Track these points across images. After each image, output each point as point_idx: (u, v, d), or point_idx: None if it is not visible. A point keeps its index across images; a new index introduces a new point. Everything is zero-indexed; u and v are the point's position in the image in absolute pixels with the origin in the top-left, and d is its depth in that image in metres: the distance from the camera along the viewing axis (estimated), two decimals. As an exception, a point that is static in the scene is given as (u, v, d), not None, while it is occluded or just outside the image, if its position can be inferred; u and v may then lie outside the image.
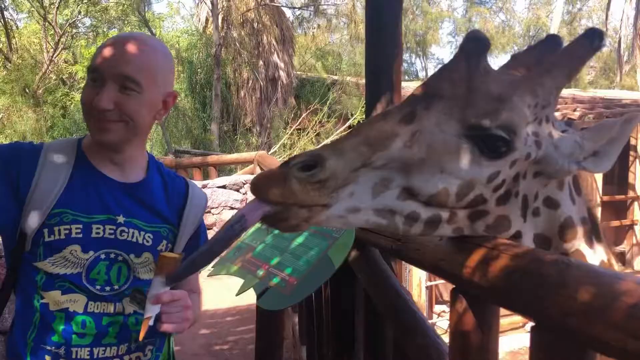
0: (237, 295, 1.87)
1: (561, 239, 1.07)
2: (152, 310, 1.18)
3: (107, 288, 1.26)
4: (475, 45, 1.01)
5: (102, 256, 1.25)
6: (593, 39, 1.03)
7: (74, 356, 1.24)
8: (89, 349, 1.25)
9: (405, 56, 28.59)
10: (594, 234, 1.12)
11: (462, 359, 1.14)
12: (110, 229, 1.26)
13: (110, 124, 1.22)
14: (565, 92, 15.52)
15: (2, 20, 16.38)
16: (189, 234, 1.40)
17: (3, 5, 15.38)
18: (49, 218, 1.21)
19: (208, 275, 2.39)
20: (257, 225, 2.45)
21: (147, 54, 1.25)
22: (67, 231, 1.22)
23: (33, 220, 1.20)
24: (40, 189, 1.20)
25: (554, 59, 1.04)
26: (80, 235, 1.23)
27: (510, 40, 29.89)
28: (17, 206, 1.21)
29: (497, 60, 26.94)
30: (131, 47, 1.24)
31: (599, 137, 1.01)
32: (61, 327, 1.23)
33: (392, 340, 1.79)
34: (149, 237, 1.31)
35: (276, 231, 2.13)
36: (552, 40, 1.11)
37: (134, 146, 1.31)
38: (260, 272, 1.91)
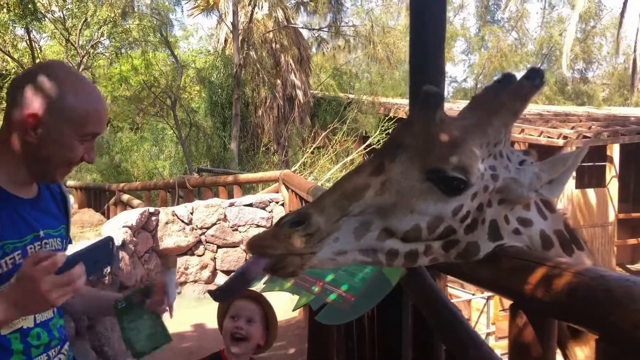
0: (293, 310, 1.98)
1: (543, 249, 1.26)
2: (174, 297, 1.47)
3: None
4: (430, 99, 1.19)
5: None
6: (534, 78, 1.20)
7: None
8: (45, 354, 1.37)
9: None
10: (573, 243, 1.29)
11: (522, 371, 1.23)
12: (37, 245, 1.35)
13: None
14: (580, 110, 15.56)
15: (28, 41, 16.78)
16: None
17: (30, 28, 15.76)
18: None
19: (261, 292, 2.51)
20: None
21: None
22: (12, 260, 1.28)
23: None
24: None
25: (502, 99, 1.20)
26: (21, 260, 1.29)
27: (523, 59, 29.98)
28: None
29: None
30: (104, 105, 1.41)
31: (554, 168, 1.19)
32: (19, 346, 1.31)
33: (445, 355, 1.88)
34: (59, 241, 1.44)
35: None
36: (507, 79, 1.25)
37: None
38: (316, 289, 2.02)
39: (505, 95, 1.20)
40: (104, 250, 1.25)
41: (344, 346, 2.84)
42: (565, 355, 1.38)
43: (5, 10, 13.18)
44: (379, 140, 11.34)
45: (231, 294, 1.17)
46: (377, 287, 1.83)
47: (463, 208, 1.14)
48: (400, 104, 15.02)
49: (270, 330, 2.14)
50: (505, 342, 5.84)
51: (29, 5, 12.31)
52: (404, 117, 13.89)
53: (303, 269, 1.12)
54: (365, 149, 11.40)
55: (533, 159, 1.23)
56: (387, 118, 12.17)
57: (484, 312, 7.69)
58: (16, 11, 12.76)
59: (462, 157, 1.11)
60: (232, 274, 1.10)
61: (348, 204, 1.11)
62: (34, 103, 1.28)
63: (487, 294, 7.70)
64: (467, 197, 1.14)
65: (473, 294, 7.89)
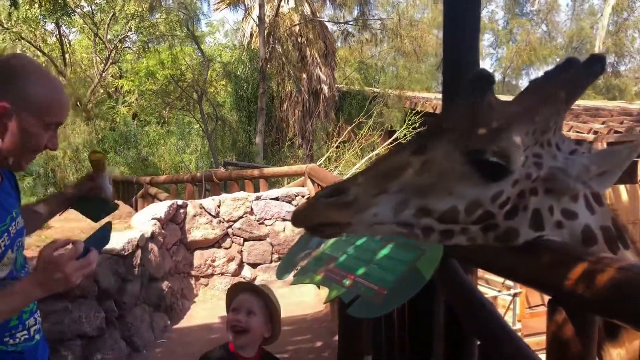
0: (325, 303, 1.97)
1: (583, 244, 1.22)
2: (109, 189, 1.89)
3: (25, 268, 1.57)
4: (480, 82, 1.18)
5: (16, 248, 1.52)
6: (594, 65, 1.18)
7: (27, 326, 1.56)
8: (32, 317, 1.58)
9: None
10: (619, 240, 1.25)
11: (561, 368, 1.20)
12: (13, 225, 1.51)
13: None
14: (611, 105, 15.21)
15: (58, 36, 17.10)
16: None
17: (60, 23, 16.04)
18: None
19: (291, 284, 2.52)
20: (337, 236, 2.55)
21: None
22: (3, 243, 1.44)
23: None
24: None
25: (556, 86, 1.18)
26: (8, 242, 1.46)
27: (553, 52, 29.40)
28: None
29: (539, 73, 26.58)
30: (66, 95, 1.53)
31: (605, 161, 1.15)
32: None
33: (478, 351, 1.87)
34: (20, 218, 1.59)
35: (358, 243, 2.24)
36: (569, 63, 1.23)
37: None
38: (347, 282, 2.01)
39: (560, 82, 1.18)
40: (105, 233, 1.52)
41: (374, 340, 2.83)
42: (600, 356, 1.35)
43: (36, 5, 13.42)
44: (405, 135, 11.25)
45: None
46: (410, 281, 1.82)
47: (503, 194, 1.13)
48: (427, 98, 14.90)
49: (274, 321, 2.18)
50: (532, 340, 5.77)
51: (59, 1, 12.50)
52: (431, 111, 13.81)
53: (340, 235, 1.19)
54: (391, 143, 11.32)
55: (585, 149, 1.20)
56: (413, 112, 12.06)
57: (509, 309, 7.60)
58: (47, 6, 12.98)
59: (504, 143, 1.10)
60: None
61: (387, 182, 1.12)
62: (1, 95, 1.36)
63: (513, 290, 7.61)
64: (507, 183, 1.13)
65: (499, 291, 7.81)
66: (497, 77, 31.55)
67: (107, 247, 4.45)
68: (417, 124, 11.31)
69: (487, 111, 1.14)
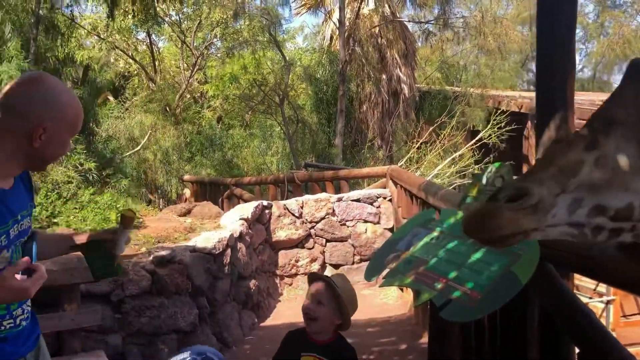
0: (416, 306, 1.98)
1: None
2: (122, 249, 1.83)
3: None
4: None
5: (14, 248, 1.65)
6: None
7: (14, 315, 1.69)
8: (19, 308, 1.70)
9: (532, 65, 27.39)
10: None
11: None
12: (16, 227, 1.64)
13: None
14: None
15: (149, 44, 18.03)
16: None
17: (150, 32, 16.91)
18: None
19: (380, 286, 2.54)
20: (426, 239, 2.55)
21: None
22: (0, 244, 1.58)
23: None
24: None
25: None
26: (6, 242, 1.60)
27: (650, 45, 27.55)
28: None
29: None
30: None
31: None
32: (2, 304, 1.63)
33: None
34: (29, 219, 1.73)
35: (450, 246, 2.22)
36: None
37: None
38: (438, 285, 2.01)
39: None
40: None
41: (464, 344, 2.80)
42: None
43: (130, 16, 14.24)
44: (490, 135, 10.94)
45: None
46: (505, 286, 1.79)
47: None
48: (511, 97, 14.42)
49: (343, 310, 2.28)
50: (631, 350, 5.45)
51: (151, 11, 13.19)
52: (517, 110, 13.36)
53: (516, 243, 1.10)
54: (475, 144, 11.05)
55: None
56: (499, 112, 11.70)
57: (602, 317, 7.21)
58: (139, 16, 13.74)
59: None
60: None
61: (566, 180, 1.06)
62: (38, 114, 1.57)
63: (606, 298, 7.22)
64: None
65: (590, 298, 7.43)
66: (587, 73, 29.99)
67: (200, 245, 4.67)
68: (502, 124, 10.96)
69: None
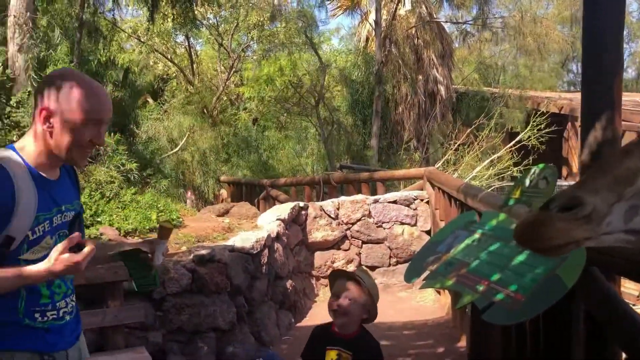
0: (457, 308, 1.97)
1: None
2: (160, 260, 1.85)
3: None
4: None
5: (57, 237, 1.71)
6: None
7: (57, 307, 1.75)
8: (63, 300, 1.77)
9: (573, 66, 26.80)
10: None
11: None
12: (59, 217, 1.73)
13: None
14: None
15: (187, 47, 18.35)
16: None
17: (189, 35, 17.20)
18: (31, 224, 1.64)
19: (420, 288, 2.54)
20: (467, 241, 2.53)
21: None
22: (42, 229, 1.66)
23: (22, 228, 1.62)
24: (23, 208, 1.61)
25: None
26: (49, 228, 1.69)
27: (697, 43, 26.58)
28: (3, 227, 1.60)
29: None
30: (107, 93, 1.77)
31: None
32: (46, 292, 1.72)
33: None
34: (72, 213, 1.80)
35: (492, 248, 2.20)
36: None
37: None
38: (481, 287, 1.99)
39: None
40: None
41: (504, 348, 2.77)
42: None
43: (169, 19, 14.52)
44: (529, 137, 10.73)
45: None
46: (550, 289, 1.76)
47: None
48: (551, 98, 14.13)
49: (371, 304, 2.38)
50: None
51: (189, 14, 13.43)
52: (557, 111, 13.08)
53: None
54: (513, 145, 10.85)
55: None
56: (538, 113, 11.46)
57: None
58: (178, 20, 14.00)
59: None
60: None
61: (623, 189, 1.05)
62: (46, 100, 1.66)
63: (651, 304, 7.01)
64: None
65: (633, 305, 7.22)
66: (631, 73, 29.12)
67: (239, 245, 4.72)
68: (541, 125, 10.74)
69: None
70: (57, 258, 1.56)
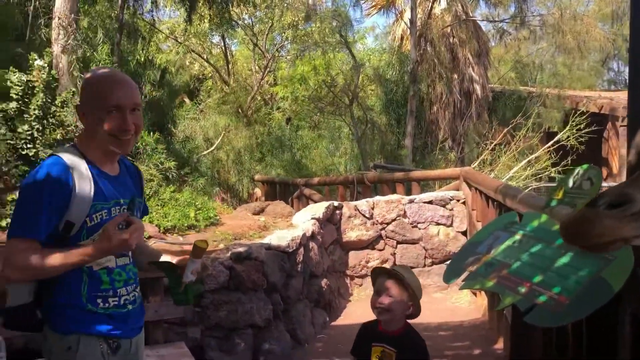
0: (497, 309, 1.96)
1: None
2: (189, 278, 1.85)
3: None
4: None
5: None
6: None
7: (118, 294, 1.82)
8: (124, 288, 1.84)
9: (614, 64, 26.14)
10: None
11: None
12: (118, 208, 1.81)
13: (131, 139, 1.81)
14: None
15: (223, 47, 18.57)
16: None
17: (225, 35, 17.41)
18: (89, 211, 1.74)
19: (460, 289, 2.53)
20: (508, 242, 2.50)
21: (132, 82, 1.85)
22: (100, 216, 1.76)
23: (80, 215, 1.71)
24: (81, 195, 1.71)
25: None
26: (107, 217, 1.76)
27: None
28: (61, 216, 1.70)
29: None
30: (128, 81, 1.83)
31: None
32: (107, 279, 1.80)
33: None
34: (134, 211, 1.87)
35: (533, 249, 2.18)
36: None
37: None
38: (522, 289, 1.97)
39: None
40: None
41: (544, 351, 2.73)
42: None
43: (206, 20, 14.72)
44: (568, 137, 10.50)
45: None
46: (595, 292, 1.74)
47: None
48: (591, 97, 13.81)
49: (414, 299, 2.39)
50: None
51: (225, 15, 13.59)
52: (597, 111, 12.77)
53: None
54: (551, 146, 10.63)
55: None
56: (577, 113, 11.21)
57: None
58: (215, 20, 14.18)
59: None
60: None
61: None
62: (79, 100, 1.84)
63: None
64: None
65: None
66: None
67: (275, 243, 4.77)
68: (581, 125, 10.49)
69: None
70: (106, 235, 1.65)
